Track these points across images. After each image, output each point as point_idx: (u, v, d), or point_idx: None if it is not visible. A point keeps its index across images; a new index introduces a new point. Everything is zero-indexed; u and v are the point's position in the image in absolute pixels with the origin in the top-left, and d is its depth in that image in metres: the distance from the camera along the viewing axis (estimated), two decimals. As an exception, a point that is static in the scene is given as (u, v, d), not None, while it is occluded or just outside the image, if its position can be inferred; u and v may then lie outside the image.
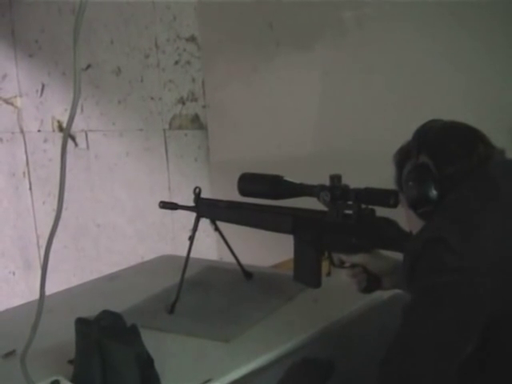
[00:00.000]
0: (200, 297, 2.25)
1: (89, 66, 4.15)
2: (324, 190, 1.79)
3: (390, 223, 1.74)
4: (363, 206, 1.76)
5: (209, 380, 1.68)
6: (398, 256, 1.66)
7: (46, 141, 4.75)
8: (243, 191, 1.97)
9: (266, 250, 2.88)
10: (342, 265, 1.88)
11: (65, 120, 4.55)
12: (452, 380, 1.33)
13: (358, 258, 1.81)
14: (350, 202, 1.78)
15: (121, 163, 4.29)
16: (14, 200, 5.11)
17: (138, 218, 4.26)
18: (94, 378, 1.63)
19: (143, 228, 4.25)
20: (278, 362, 1.82)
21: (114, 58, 4.12)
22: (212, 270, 2.55)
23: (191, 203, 2.22)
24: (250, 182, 1.97)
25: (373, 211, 1.77)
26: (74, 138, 4.43)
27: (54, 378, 1.67)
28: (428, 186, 1.48)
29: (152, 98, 3.99)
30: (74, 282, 2.85)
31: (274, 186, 1.90)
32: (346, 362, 1.88)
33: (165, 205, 2.30)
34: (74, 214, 4.47)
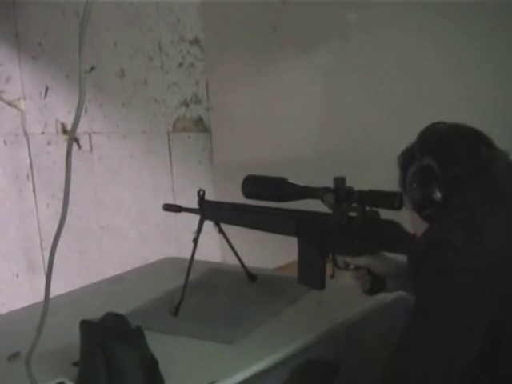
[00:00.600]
0: (204, 299, 2.25)
1: (92, 69, 4.15)
2: (328, 193, 1.79)
3: (394, 225, 1.74)
4: (367, 208, 1.77)
5: (213, 382, 1.68)
6: (402, 258, 1.66)
7: (49, 143, 4.76)
8: (248, 193, 1.97)
9: (270, 252, 2.88)
10: (346, 267, 1.88)
11: (68, 122, 4.56)
12: (457, 382, 1.33)
13: (362, 260, 1.81)
14: (354, 204, 1.78)
15: (124, 165, 4.29)
16: (17, 202, 5.11)
17: (141, 220, 4.26)
18: (99, 379, 1.64)
19: (147, 230, 4.25)
20: (282, 363, 1.82)
21: (117, 61, 4.12)
22: (216, 272, 2.55)
23: (195, 205, 2.22)
24: (254, 185, 1.97)
25: (377, 213, 1.77)
26: (77, 141, 4.44)
27: (59, 379, 1.67)
28: (432, 188, 1.48)
29: (156, 101, 3.99)
30: (78, 284, 2.86)
31: (279, 188, 1.90)
32: (350, 363, 1.88)
33: (169, 207, 2.31)
34: (77, 216, 4.47)
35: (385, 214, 1.76)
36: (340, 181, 1.78)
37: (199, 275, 2.42)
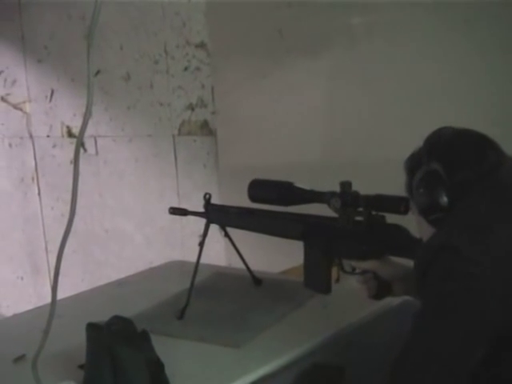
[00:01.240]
0: (209, 303, 2.25)
1: (98, 72, 4.15)
2: (335, 197, 1.79)
3: (401, 230, 1.74)
4: (374, 212, 1.77)
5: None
6: (408, 262, 1.66)
7: (54, 146, 4.76)
8: (254, 197, 1.97)
9: (275, 256, 2.88)
10: (351, 271, 1.88)
11: (73, 125, 4.56)
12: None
13: (368, 265, 1.81)
14: (360, 209, 1.78)
15: (130, 169, 4.29)
16: (22, 205, 5.12)
17: (146, 223, 4.26)
18: (105, 382, 1.64)
19: (151, 233, 4.25)
20: (287, 368, 1.82)
21: (123, 64, 4.13)
22: (221, 276, 2.55)
23: (200, 209, 2.23)
24: (260, 189, 1.97)
25: (383, 218, 1.77)
26: (83, 144, 4.44)
27: (65, 382, 1.67)
28: (439, 192, 1.48)
29: (161, 104, 4.00)
30: (82, 287, 2.86)
31: (285, 192, 1.90)
32: (356, 368, 1.88)
33: (175, 211, 2.30)
34: (82, 219, 4.47)
35: (391, 218, 1.76)
36: (346, 185, 1.78)
37: (204, 279, 2.42)
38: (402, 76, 2.89)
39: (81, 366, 1.75)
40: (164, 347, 1.75)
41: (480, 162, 1.48)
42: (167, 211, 2.32)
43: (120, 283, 2.66)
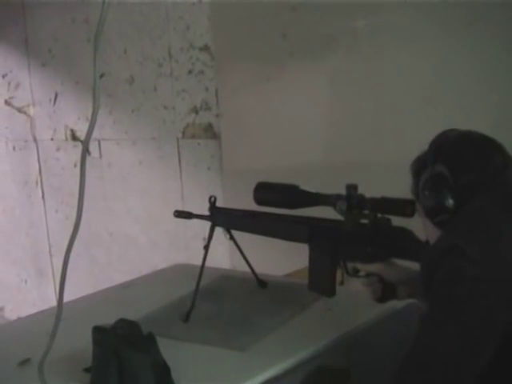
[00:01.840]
0: (214, 305, 2.25)
1: (102, 75, 4.16)
2: (340, 200, 1.79)
3: (406, 232, 1.74)
4: (379, 215, 1.77)
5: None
6: (414, 265, 1.66)
7: (58, 149, 4.77)
8: (259, 200, 1.97)
9: (280, 259, 2.88)
10: (356, 274, 1.88)
11: (77, 129, 4.57)
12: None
13: (373, 267, 1.81)
14: (366, 212, 1.78)
15: (134, 172, 4.30)
16: (26, 208, 5.13)
17: (150, 226, 4.27)
18: (111, 385, 1.64)
19: (156, 236, 4.26)
20: (293, 370, 1.82)
21: (127, 67, 4.13)
22: (226, 278, 2.55)
23: (204, 212, 2.23)
24: (266, 191, 1.97)
25: (389, 220, 1.77)
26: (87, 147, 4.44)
27: (71, 386, 1.68)
28: (444, 195, 1.48)
29: (165, 107, 4.00)
30: (87, 290, 2.86)
31: (291, 195, 1.91)
32: (361, 370, 1.88)
33: (179, 214, 2.30)
34: (86, 222, 4.46)
35: (396, 221, 1.75)
36: (352, 188, 1.79)
37: (209, 282, 2.42)
38: (406, 78, 2.88)
39: (86, 370, 1.75)
40: (169, 350, 1.75)
41: (485, 164, 1.48)
42: (171, 214, 2.32)
43: (125, 286, 2.66)
